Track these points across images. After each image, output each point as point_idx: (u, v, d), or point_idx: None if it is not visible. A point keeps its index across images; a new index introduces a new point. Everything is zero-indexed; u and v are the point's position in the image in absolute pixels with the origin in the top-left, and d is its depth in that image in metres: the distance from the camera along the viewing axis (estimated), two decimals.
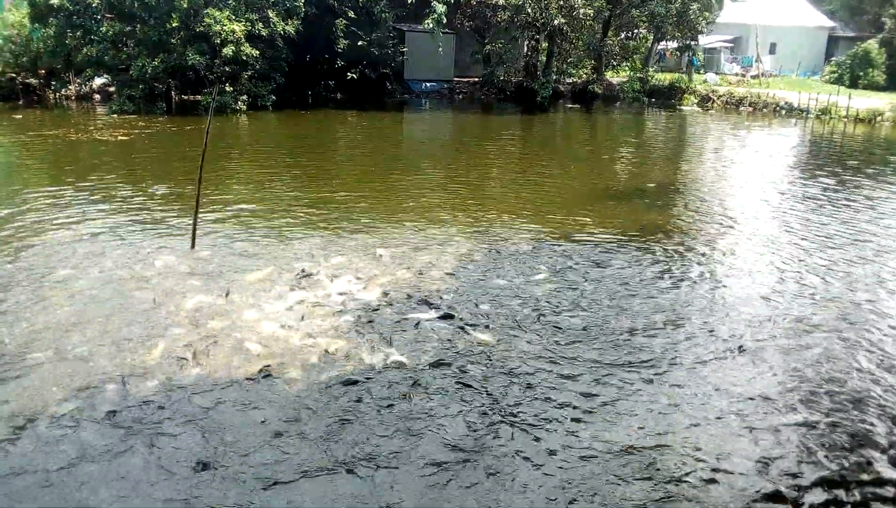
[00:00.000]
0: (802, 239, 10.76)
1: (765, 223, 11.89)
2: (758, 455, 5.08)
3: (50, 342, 6.36)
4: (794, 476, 4.88)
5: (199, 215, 9.45)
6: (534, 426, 5.32)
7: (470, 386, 5.87)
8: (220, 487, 4.51)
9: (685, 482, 4.76)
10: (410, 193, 13.52)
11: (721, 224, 11.72)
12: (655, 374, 6.22)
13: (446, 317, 7.22)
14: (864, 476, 4.94)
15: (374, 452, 4.91)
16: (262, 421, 5.25)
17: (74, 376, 5.79)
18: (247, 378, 5.84)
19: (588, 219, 11.55)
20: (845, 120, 28.80)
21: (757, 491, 4.70)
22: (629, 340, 6.91)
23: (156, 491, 4.46)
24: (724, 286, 8.59)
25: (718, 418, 5.56)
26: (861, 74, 37.06)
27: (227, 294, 7.55)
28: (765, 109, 31.58)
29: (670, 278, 8.79)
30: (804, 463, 5.02)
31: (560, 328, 7.09)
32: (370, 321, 7.06)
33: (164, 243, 9.46)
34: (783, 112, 30.86)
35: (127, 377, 5.79)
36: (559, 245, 9.98)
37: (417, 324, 7.03)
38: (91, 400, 5.45)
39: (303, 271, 8.37)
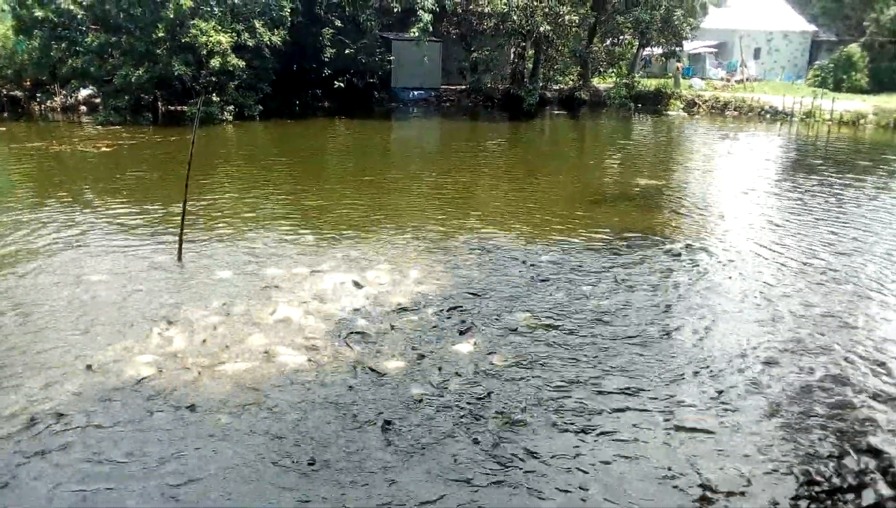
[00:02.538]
0: (786, 238, 10.84)
1: (749, 224, 11.97)
2: None
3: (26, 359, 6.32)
4: None
5: (186, 227, 9.43)
6: None
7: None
8: None
9: None
10: (399, 201, 13.55)
11: (705, 226, 11.79)
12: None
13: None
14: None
15: None
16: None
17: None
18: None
19: (574, 223, 11.59)
20: (829, 123, 29.09)
21: None
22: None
23: None
24: (709, 283, 8.66)
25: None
26: (844, 77, 37.44)
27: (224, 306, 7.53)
28: (750, 114, 31.82)
29: (653, 276, 8.84)
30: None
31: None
32: (361, 331, 7.06)
33: (150, 255, 9.42)
34: (768, 116, 31.11)
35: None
36: (544, 248, 10.01)
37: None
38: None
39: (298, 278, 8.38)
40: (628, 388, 6.08)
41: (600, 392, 6.00)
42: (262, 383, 5.98)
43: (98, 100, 24.63)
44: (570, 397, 5.89)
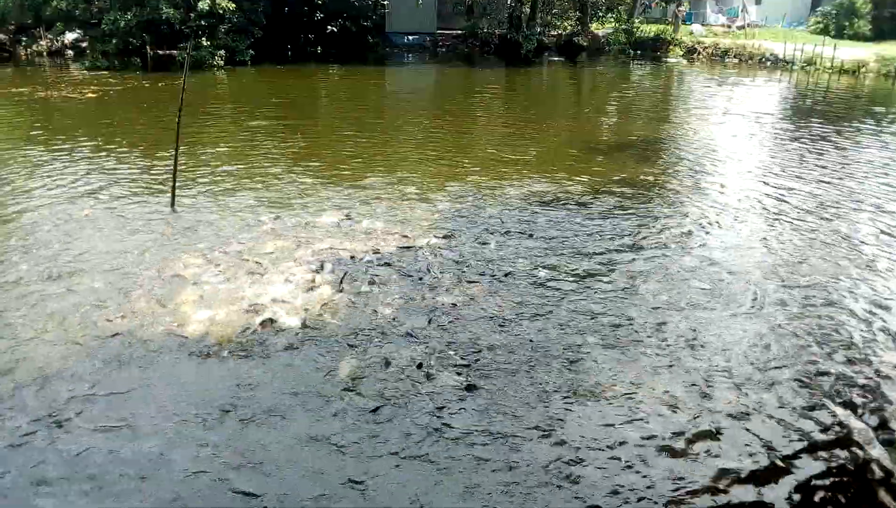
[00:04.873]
0: (784, 190, 10.76)
1: (746, 175, 11.87)
2: None
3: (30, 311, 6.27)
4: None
5: (178, 175, 9.30)
6: None
7: None
8: None
9: None
10: (394, 149, 13.36)
11: (702, 175, 11.69)
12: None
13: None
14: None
15: None
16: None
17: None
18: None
19: (569, 173, 11.46)
20: (830, 71, 28.70)
21: None
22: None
23: None
24: (706, 237, 8.61)
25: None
26: (846, 24, 36.77)
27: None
28: (750, 61, 31.37)
29: (645, 229, 8.78)
30: None
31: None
32: (349, 278, 7.02)
33: (143, 204, 9.29)
34: (768, 64, 30.67)
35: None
36: (537, 198, 9.92)
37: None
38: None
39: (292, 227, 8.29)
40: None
41: None
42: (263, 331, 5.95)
43: (85, 44, 24.04)
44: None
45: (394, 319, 6.27)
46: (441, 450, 4.55)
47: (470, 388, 5.25)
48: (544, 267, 7.52)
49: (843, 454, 4.66)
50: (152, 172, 10.88)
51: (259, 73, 23.45)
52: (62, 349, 5.58)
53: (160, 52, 24.63)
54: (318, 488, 4.20)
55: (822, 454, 4.65)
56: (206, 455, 4.44)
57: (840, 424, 4.95)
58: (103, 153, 11.93)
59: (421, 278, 7.13)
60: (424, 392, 5.18)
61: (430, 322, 6.22)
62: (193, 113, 14.93)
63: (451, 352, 5.74)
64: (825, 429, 4.89)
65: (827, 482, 4.42)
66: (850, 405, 5.18)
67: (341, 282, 6.93)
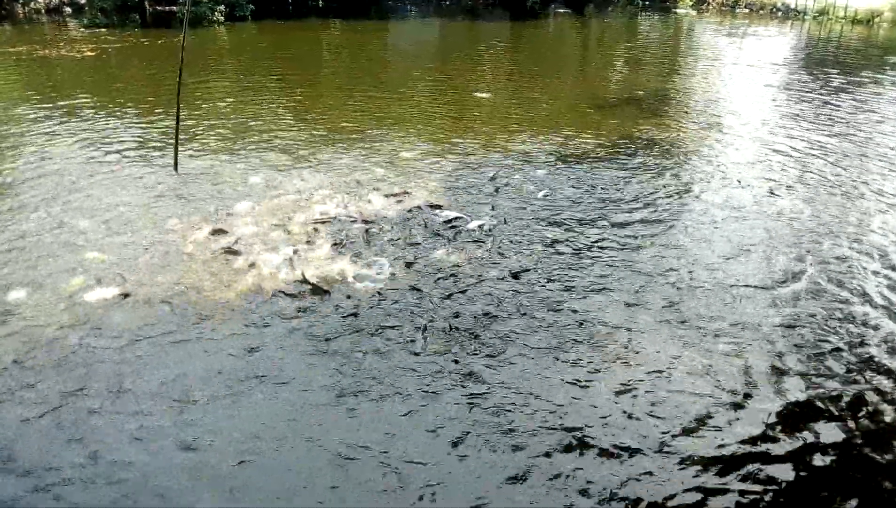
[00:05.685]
0: (796, 142, 10.56)
1: (761, 127, 11.64)
2: None
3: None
4: None
5: (181, 136, 9.16)
6: None
7: None
8: None
9: None
10: (399, 105, 13.12)
11: (717, 129, 11.47)
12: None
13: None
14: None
15: None
16: None
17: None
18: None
19: (579, 128, 11.26)
20: (843, 21, 28.00)
21: None
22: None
23: None
24: (712, 194, 8.47)
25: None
26: None
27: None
28: (761, 11, 30.62)
29: (661, 185, 8.64)
30: None
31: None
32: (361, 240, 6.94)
33: (145, 165, 9.17)
34: (780, 14, 29.94)
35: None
36: (547, 155, 9.75)
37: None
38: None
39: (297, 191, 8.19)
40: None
41: None
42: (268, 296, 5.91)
43: (83, 0, 23.59)
44: None
45: (398, 279, 6.21)
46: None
47: (479, 351, 5.22)
48: (556, 226, 7.42)
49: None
50: (153, 131, 10.73)
51: (260, 28, 23.02)
52: (67, 318, 5.55)
53: (159, 8, 24.15)
54: None
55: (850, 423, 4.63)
56: (205, 432, 4.44)
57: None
58: (103, 113, 11.76)
59: (428, 239, 7.05)
60: (425, 366, 5.15)
61: (436, 282, 6.17)
62: (194, 71, 14.69)
63: (460, 316, 5.70)
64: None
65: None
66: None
67: (365, 242, 6.86)
